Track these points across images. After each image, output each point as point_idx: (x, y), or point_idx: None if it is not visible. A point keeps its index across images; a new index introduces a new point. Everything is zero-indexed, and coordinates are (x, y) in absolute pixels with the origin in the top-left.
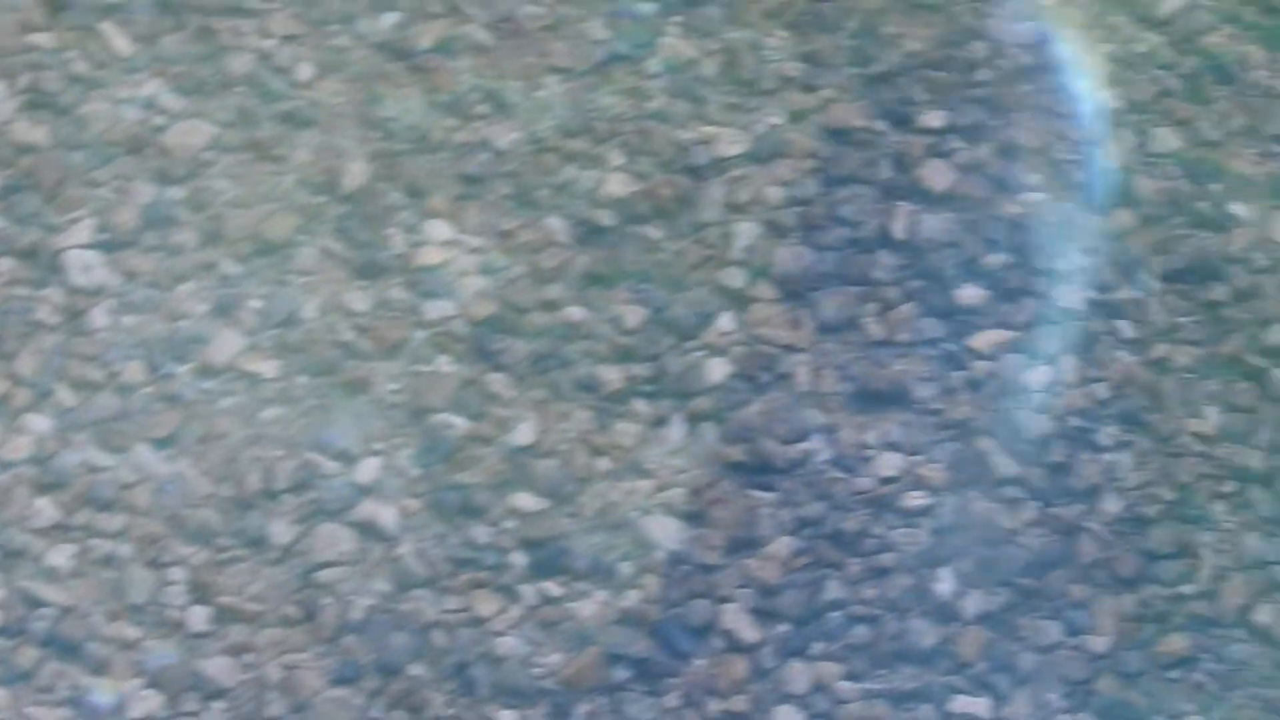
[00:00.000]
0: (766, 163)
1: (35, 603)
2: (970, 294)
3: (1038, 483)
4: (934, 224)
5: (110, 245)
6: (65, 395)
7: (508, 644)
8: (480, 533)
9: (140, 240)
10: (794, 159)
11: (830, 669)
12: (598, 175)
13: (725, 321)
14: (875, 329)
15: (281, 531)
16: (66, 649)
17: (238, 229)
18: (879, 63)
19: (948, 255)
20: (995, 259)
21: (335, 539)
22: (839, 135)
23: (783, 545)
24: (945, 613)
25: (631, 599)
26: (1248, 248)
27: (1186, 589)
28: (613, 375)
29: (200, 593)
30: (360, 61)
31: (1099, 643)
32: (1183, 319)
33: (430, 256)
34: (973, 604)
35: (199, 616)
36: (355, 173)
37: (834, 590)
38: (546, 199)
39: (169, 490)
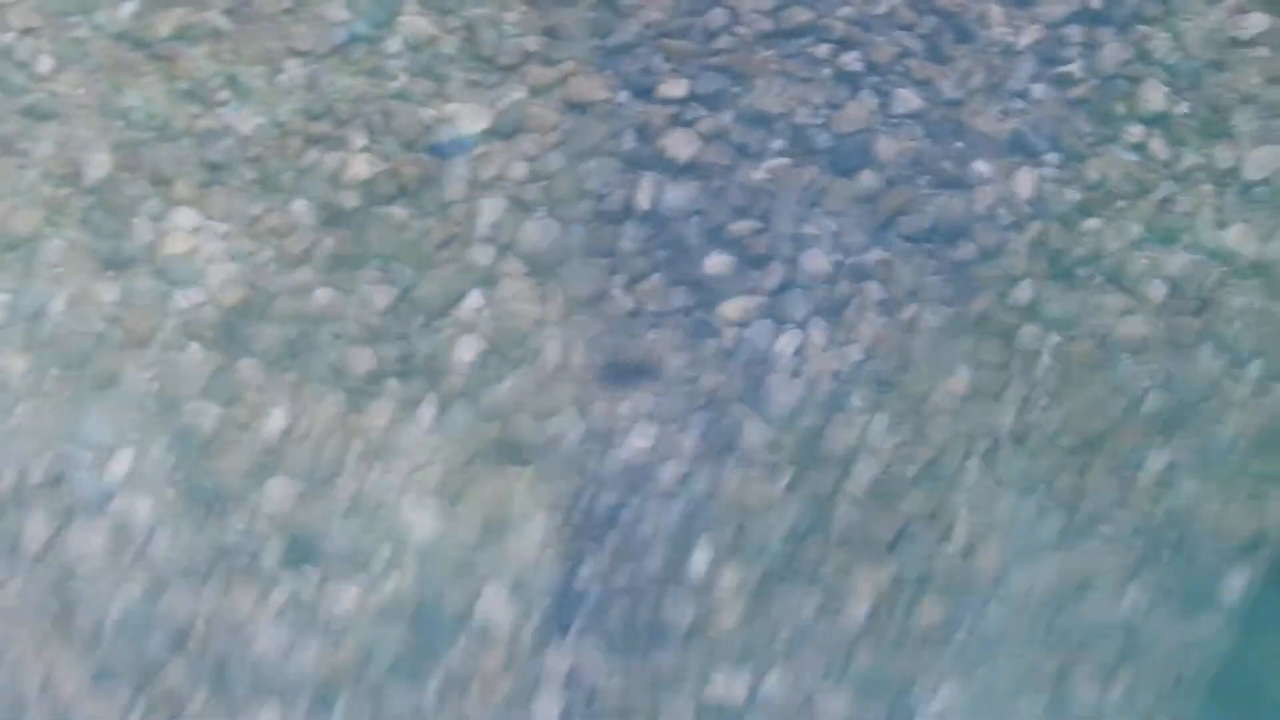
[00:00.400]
0: (509, 138)
1: None
2: (718, 262)
3: (792, 449)
4: (679, 193)
5: None
6: None
7: (265, 634)
8: (235, 521)
9: None
10: (537, 133)
11: (589, 645)
12: (341, 157)
13: (474, 299)
14: (624, 301)
15: (37, 527)
16: None
17: None
18: (618, 34)
19: (694, 224)
20: (741, 226)
21: (91, 533)
22: (581, 108)
23: (539, 523)
24: (702, 583)
25: (390, 583)
26: (993, 205)
27: (942, 550)
28: (364, 357)
29: None
30: (100, 52)
31: (857, 607)
32: (931, 279)
33: (177, 245)
34: (730, 574)
35: None
36: (99, 164)
37: (591, 566)
38: (291, 183)
39: None
